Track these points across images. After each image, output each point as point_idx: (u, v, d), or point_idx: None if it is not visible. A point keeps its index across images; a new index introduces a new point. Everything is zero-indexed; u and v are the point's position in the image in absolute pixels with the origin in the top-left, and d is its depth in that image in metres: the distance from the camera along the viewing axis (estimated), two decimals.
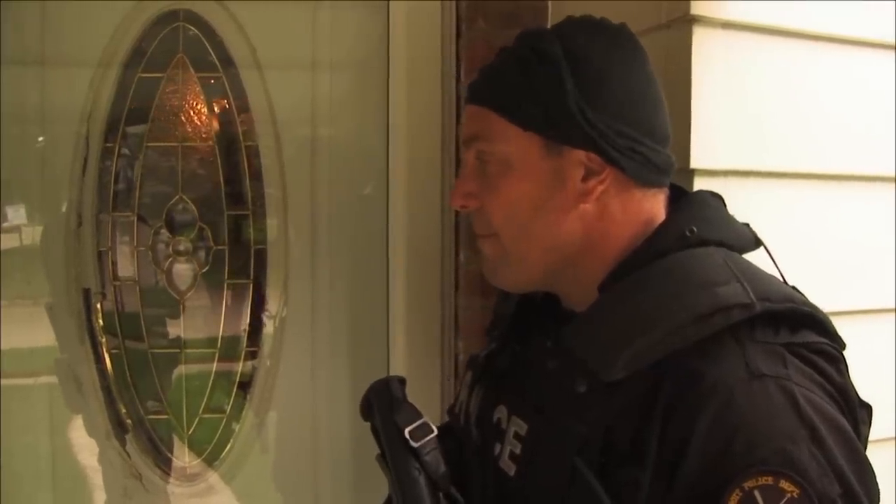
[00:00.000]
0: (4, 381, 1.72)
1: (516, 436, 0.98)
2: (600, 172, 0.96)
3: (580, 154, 0.96)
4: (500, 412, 1.03)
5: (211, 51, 1.78)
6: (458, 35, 1.74)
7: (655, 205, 1.00)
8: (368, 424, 1.06)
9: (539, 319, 1.08)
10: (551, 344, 0.98)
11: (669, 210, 1.01)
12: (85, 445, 1.79)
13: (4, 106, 1.69)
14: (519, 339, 1.08)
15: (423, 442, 0.98)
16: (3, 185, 1.72)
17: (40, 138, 1.74)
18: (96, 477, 1.80)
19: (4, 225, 1.73)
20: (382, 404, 1.03)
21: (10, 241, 1.73)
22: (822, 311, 0.92)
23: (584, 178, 0.97)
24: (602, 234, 0.98)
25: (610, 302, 0.94)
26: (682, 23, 1.28)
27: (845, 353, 0.92)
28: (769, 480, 0.79)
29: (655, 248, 0.95)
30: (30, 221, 1.75)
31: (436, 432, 1.00)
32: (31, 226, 1.75)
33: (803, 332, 0.89)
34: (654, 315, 0.88)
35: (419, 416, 1.01)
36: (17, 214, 1.73)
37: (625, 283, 0.94)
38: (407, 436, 0.98)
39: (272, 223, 1.80)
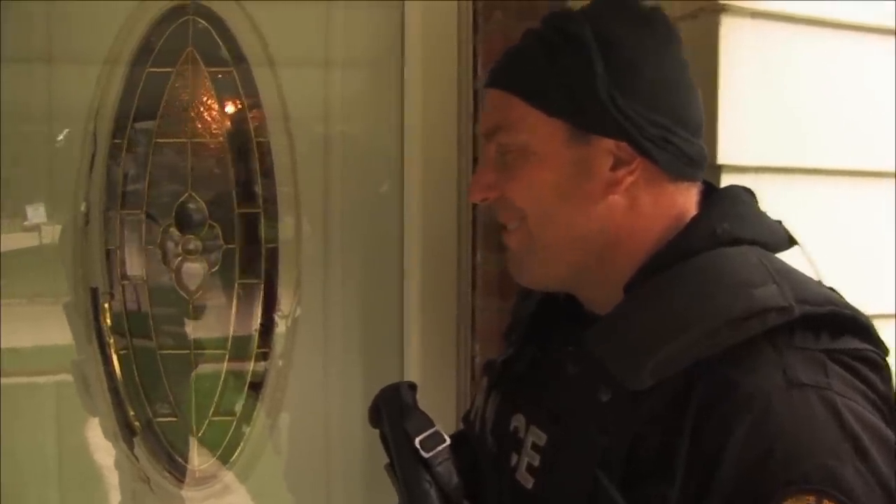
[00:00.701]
0: (14, 380, 1.70)
1: (535, 447, 0.93)
2: (630, 162, 0.91)
3: (609, 143, 0.91)
4: (518, 421, 0.98)
5: (222, 46, 1.74)
6: (475, 30, 1.70)
7: (687, 199, 0.95)
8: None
9: (560, 323, 1.02)
10: (573, 348, 0.92)
11: (701, 206, 0.95)
12: (92, 447, 1.76)
13: (12, 104, 1.67)
14: (538, 343, 1.03)
15: (434, 452, 0.93)
16: (10, 183, 1.70)
17: (59, 136, 1.72)
18: (104, 479, 1.77)
19: (25, 224, 1.72)
20: (392, 411, 0.98)
21: (29, 240, 1.72)
22: (864, 315, 0.86)
23: (613, 168, 0.91)
24: (631, 228, 0.93)
25: (636, 303, 0.89)
26: (710, 12, 1.23)
27: (889, 359, 0.86)
28: (811, 500, 0.73)
29: (686, 246, 0.90)
30: (49, 220, 1.72)
31: (448, 442, 0.95)
32: (50, 224, 1.72)
33: (845, 338, 0.83)
34: (685, 318, 0.83)
35: (431, 424, 0.96)
36: (36, 213, 1.72)
37: (653, 283, 0.89)
38: (417, 445, 0.93)
39: (284, 222, 1.77)
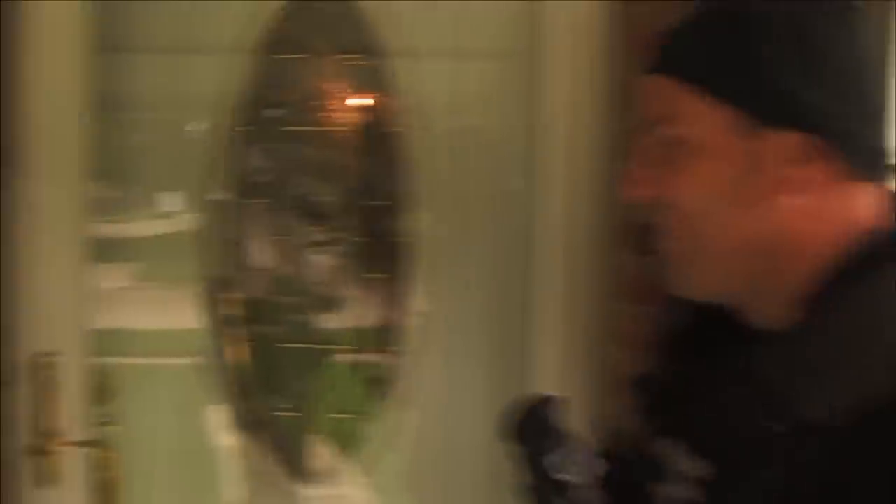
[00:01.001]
0: (141, 361, 1.73)
1: (685, 476, 0.83)
2: (810, 159, 0.79)
3: (787, 136, 0.79)
4: (664, 445, 0.87)
5: (353, 35, 1.71)
6: (620, 17, 1.59)
7: (871, 202, 0.82)
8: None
9: (717, 335, 0.91)
10: (736, 367, 0.81)
11: (885, 210, 0.83)
12: (212, 436, 1.77)
13: (143, 94, 1.70)
14: (692, 358, 0.92)
15: (576, 476, 0.84)
16: (143, 172, 1.72)
17: (190, 126, 1.73)
18: (221, 471, 1.77)
19: (157, 211, 1.74)
20: (531, 427, 0.89)
21: (161, 228, 1.74)
22: None
23: (790, 164, 0.80)
24: (806, 233, 0.81)
25: (819, 320, 0.77)
26: None
27: None
28: None
29: (872, 256, 0.77)
30: (180, 209, 1.74)
31: (594, 465, 0.86)
32: (181, 213, 1.74)
33: None
34: (879, 341, 0.71)
35: (575, 444, 0.87)
36: (168, 201, 1.74)
37: (837, 298, 0.77)
38: (557, 468, 0.84)
39: (414, 216, 1.72)
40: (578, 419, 1.57)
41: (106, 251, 1.68)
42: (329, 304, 1.74)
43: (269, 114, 1.72)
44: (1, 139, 1.55)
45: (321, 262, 1.73)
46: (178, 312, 1.74)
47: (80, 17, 1.60)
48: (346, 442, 1.77)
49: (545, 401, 0.92)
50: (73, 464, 1.61)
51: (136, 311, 1.74)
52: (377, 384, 1.74)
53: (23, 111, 1.58)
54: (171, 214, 1.75)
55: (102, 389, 1.65)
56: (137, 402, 1.70)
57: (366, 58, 1.71)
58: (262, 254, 1.74)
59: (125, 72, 1.69)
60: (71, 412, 1.61)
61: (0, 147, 1.54)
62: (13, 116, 1.57)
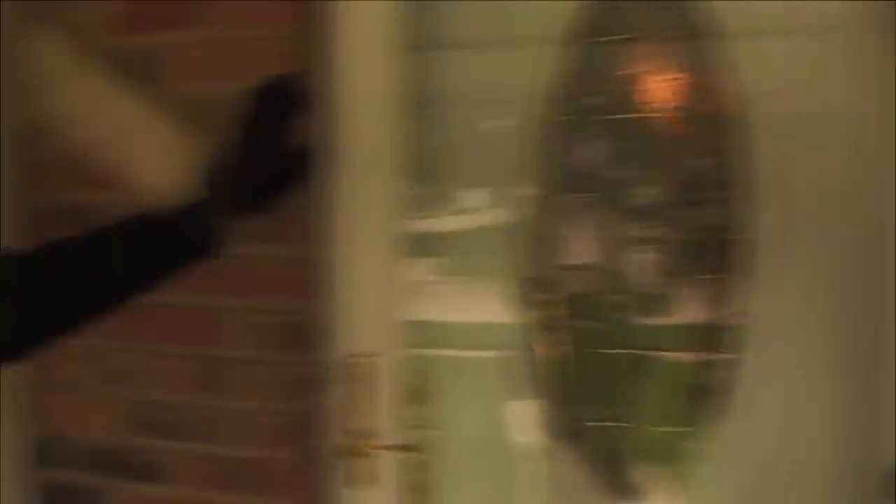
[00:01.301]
0: (444, 353, 1.72)
1: None
2: None
3: None
4: None
5: (677, 16, 1.58)
6: None
7: None
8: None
9: None
10: None
11: None
12: (520, 439, 1.72)
13: (447, 91, 1.69)
14: None
15: None
16: (451, 168, 1.71)
17: (500, 120, 1.70)
18: (529, 478, 1.71)
19: (465, 207, 1.74)
20: None
21: (470, 223, 1.74)
22: None
23: None
24: None
25: None
26: None
27: None
28: None
29: None
30: (487, 205, 1.73)
31: None
32: (490, 208, 1.73)
33: None
34: None
35: None
36: (476, 197, 1.73)
37: None
38: None
39: (749, 210, 1.57)
40: None
41: (417, 247, 1.69)
42: (653, 304, 1.63)
43: (588, 102, 1.64)
44: (321, 138, 1.58)
45: (645, 260, 1.62)
46: (488, 306, 1.71)
47: (394, 15, 1.62)
48: (669, 455, 1.64)
49: None
50: (386, 465, 1.62)
51: (445, 304, 1.73)
52: (705, 393, 1.60)
53: (339, 109, 1.61)
54: (484, 209, 1.72)
55: (417, 391, 1.64)
56: (448, 399, 1.70)
57: (692, 39, 1.58)
58: (579, 250, 1.66)
59: (436, 68, 1.68)
60: (385, 413, 1.62)
61: (321, 146, 1.57)
62: (332, 115, 1.61)
